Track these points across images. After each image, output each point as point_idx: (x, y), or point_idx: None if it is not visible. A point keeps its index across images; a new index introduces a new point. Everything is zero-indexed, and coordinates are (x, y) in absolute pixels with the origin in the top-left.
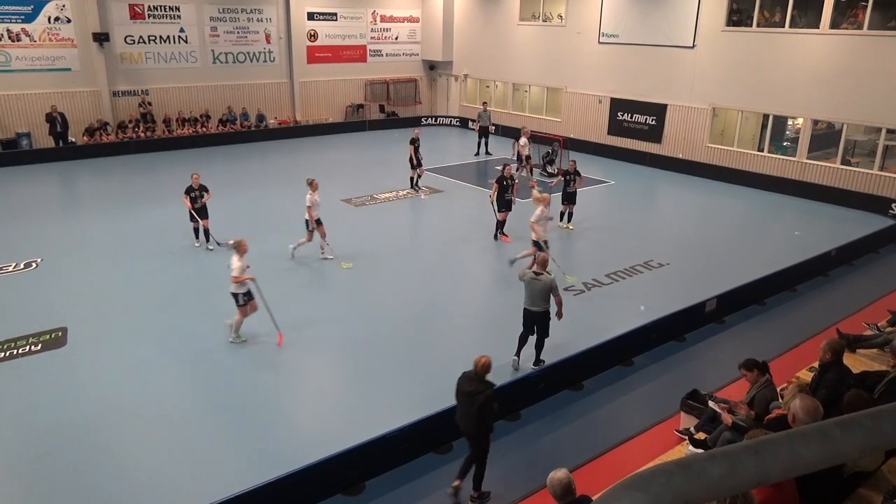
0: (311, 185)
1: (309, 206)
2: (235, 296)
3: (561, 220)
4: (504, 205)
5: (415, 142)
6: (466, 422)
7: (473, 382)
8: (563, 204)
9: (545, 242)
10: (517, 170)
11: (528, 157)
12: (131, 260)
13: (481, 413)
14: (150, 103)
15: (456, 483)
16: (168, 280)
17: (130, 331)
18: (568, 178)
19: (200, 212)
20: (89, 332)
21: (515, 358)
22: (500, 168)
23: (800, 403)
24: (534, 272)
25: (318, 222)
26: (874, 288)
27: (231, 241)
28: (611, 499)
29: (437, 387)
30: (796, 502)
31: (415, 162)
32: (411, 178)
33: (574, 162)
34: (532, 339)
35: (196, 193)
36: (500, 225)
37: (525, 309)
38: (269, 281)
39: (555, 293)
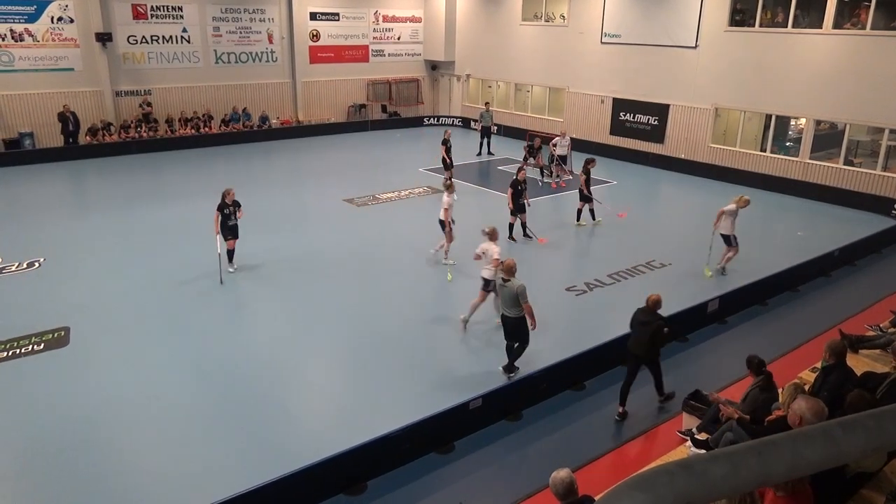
0: (450, 188)
1: (447, 209)
2: (487, 281)
3: (578, 218)
4: (518, 208)
5: (446, 143)
6: (640, 347)
7: (647, 314)
8: (581, 202)
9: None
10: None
11: (561, 158)
12: (133, 260)
13: (653, 338)
14: (150, 104)
15: (620, 410)
16: (169, 280)
17: (132, 330)
18: (590, 177)
19: (232, 231)
20: (91, 332)
21: (507, 375)
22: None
23: (806, 405)
24: (502, 278)
25: (447, 225)
26: (877, 288)
27: (487, 230)
28: (613, 499)
29: (438, 386)
30: None
31: (448, 162)
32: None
33: (590, 161)
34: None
35: (229, 210)
36: (511, 227)
37: (502, 315)
38: (274, 280)
39: (522, 299)
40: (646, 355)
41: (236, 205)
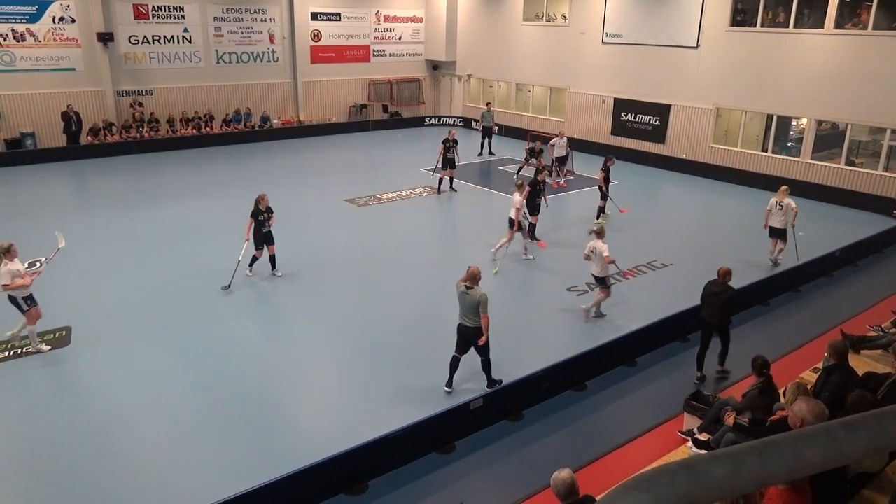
0: (521, 186)
1: (518, 208)
2: (603, 279)
3: (598, 216)
4: (534, 208)
5: (447, 142)
6: (713, 316)
7: (719, 285)
8: (602, 200)
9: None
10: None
11: (558, 159)
12: (134, 259)
13: (726, 306)
14: (141, 104)
15: (699, 374)
16: (171, 280)
17: (133, 330)
18: (608, 174)
19: (267, 237)
20: (93, 332)
21: (447, 389)
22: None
23: (807, 407)
24: (465, 285)
25: (517, 224)
26: (878, 289)
27: (595, 228)
28: (614, 499)
29: (440, 386)
30: None
31: (445, 161)
32: (448, 179)
33: (609, 159)
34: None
35: (264, 216)
36: (532, 228)
37: (459, 323)
38: (275, 280)
39: (482, 309)
40: (719, 323)
41: (269, 211)
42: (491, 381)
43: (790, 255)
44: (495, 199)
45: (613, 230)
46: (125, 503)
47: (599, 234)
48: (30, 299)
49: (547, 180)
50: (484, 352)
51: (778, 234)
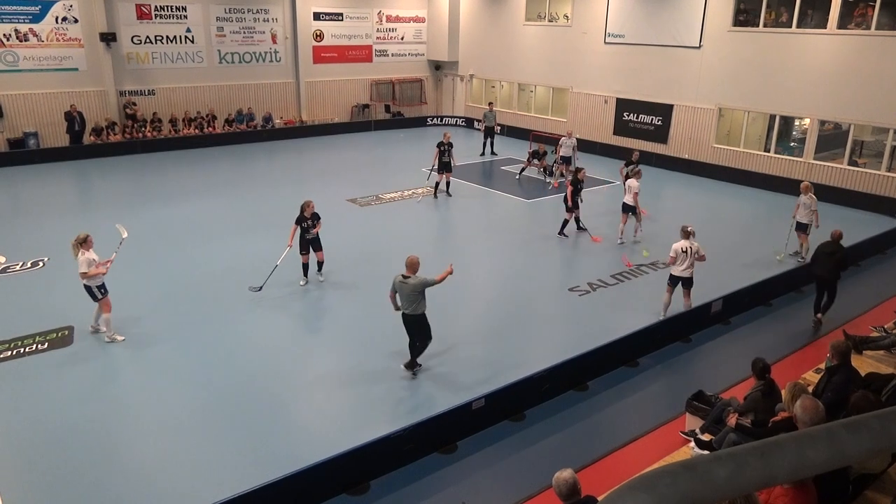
0: (638, 173)
1: (636, 193)
2: (687, 279)
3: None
4: (575, 204)
5: (440, 146)
6: (828, 272)
7: (833, 246)
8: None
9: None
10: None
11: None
12: (136, 259)
13: (839, 264)
14: (135, 103)
15: (817, 317)
16: (173, 279)
17: (135, 330)
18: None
19: (313, 243)
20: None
21: (406, 369)
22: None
23: (799, 403)
24: (402, 275)
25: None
26: (881, 289)
27: (689, 228)
28: (616, 499)
29: (442, 386)
30: None
31: (441, 165)
32: (445, 182)
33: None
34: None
35: (308, 223)
36: (565, 224)
37: (402, 314)
38: (275, 280)
39: (428, 283)
40: (832, 279)
41: (315, 217)
42: (412, 363)
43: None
44: (497, 199)
45: (616, 230)
46: (128, 502)
47: (690, 234)
48: (103, 288)
49: (549, 180)
50: (425, 336)
51: (801, 228)
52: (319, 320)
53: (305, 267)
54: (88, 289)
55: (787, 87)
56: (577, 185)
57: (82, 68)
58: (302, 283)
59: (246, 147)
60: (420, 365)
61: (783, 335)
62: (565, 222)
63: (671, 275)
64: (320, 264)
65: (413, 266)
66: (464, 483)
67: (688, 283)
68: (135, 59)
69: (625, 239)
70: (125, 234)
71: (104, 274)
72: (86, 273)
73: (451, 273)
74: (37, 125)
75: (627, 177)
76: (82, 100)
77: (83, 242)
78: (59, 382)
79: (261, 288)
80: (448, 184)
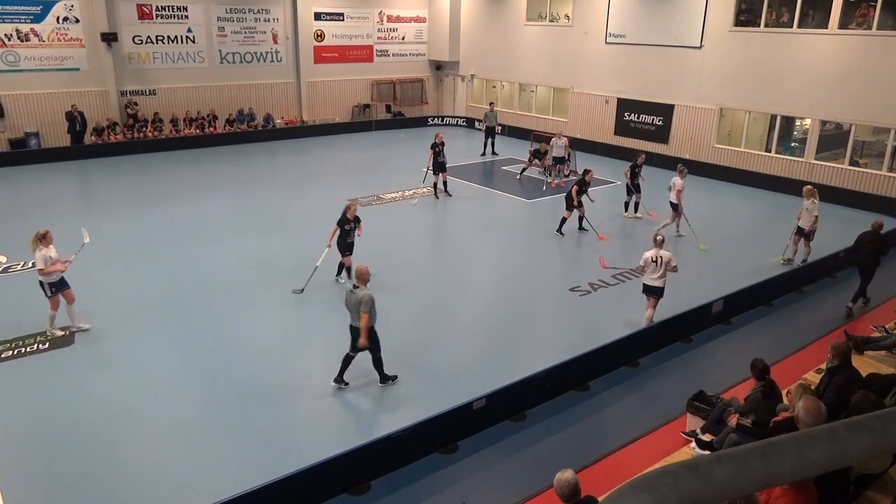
0: (681, 172)
1: (679, 190)
2: (656, 289)
3: (626, 210)
4: (579, 203)
5: (434, 146)
6: (869, 258)
7: (874, 235)
8: (628, 196)
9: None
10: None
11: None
12: (137, 259)
13: (878, 252)
14: (136, 104)
15: (849, 305)
16: (173, 279)
17: (137, 330)
18: (636, 170)
19: (350, 246)
20: (96, 331)
21: (334, 384)
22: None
23: (801, 404)
24: (353, 285)
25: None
26: (882, 290)
27: (660, 237)
28: (618, 500)
29: (442, 386)
30: None
31: (435, 166)
32: (443, 182)
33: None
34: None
35: (350, 226)
36: (563, 222)
37: (350, 325)
38: (277, 280)
39: (363, 308)
40: (872, 265)
41: (357, 221)
42: (383, 377)
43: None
44: (498, 199)
45: (617, 230)
46: (129, 501)
47: (661, 243)
48: (55, 286)
49: (549, 180)
50: (371, 349)
51: (800, 232)
52: (320, 320)
53: (349, 269)
54: (41, 284)
55: (788, 87)
56: (584, 186)
57: (83, 68)
58: (342, 280)
59: (247, 147)
60: (391, 378)
61: (784, 335)
62: (563, 220)
63: (644, 284)
64: (348, 268)
65: (361, 276)
66: (464, 483)
67: (657, 292)
68: (136, 59)
69: (683, 233)
70: (87, 239)
71: (62, 272)
72: (42, 269)
73: (365, 336)
74: (38, 125)
75: (634, 178)
76: (83, 100)
77: (42, 239)
78: (59, 382)
79: (303, 290)
80: (445, 183)
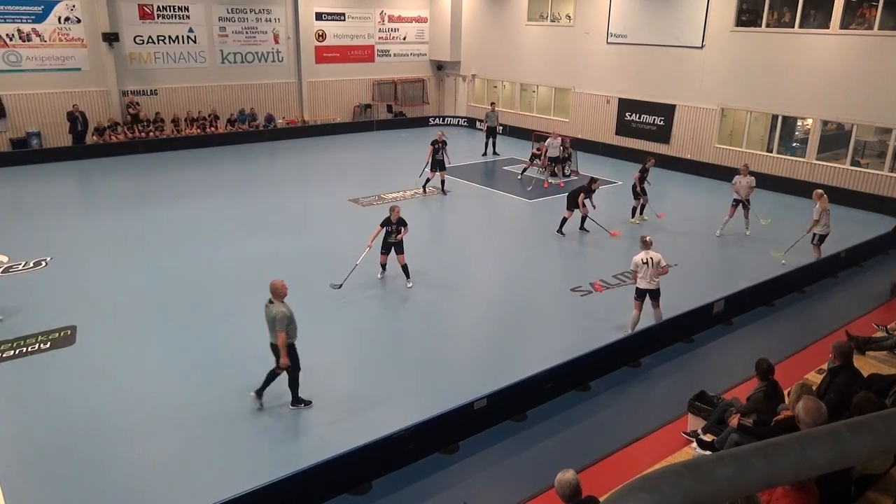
0: (744, 170)
1: (752, 187)
2: (654, 291)
3: (633, 215)
4: (582, 204)
5: (435, 143)
6: None
7: None
8: (635, 199)
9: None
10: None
11: (552, 159)
12: (139, 259)
13: None
14: (138, 104)
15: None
16: (175, 279)
17: (139, 329)
18: (644, 175)
19: (397, 247)
20: (98, 331)
21: (252, 394)
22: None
23: (802, 404)
24: (269, 300)
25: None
26: (884, 290)
27: (649, 238)
28: (619, 500)
29: (443, 387)
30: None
31: (433, 163)
32: (440, 181)
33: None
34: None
35: (392, 227)
36: (564, 222)
37: (270, 343)
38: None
39: (278, 326)
40: None
41: (401, 223)
42: (295, 399)
43: (796, 257)
44: (499, 199)
45: (621, 230)
46: (130, 501)
47: (647, 244)
48: None
49: (552, 180)
50: (289, 367)
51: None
52: (320, 320)
53: (383, 266)
54: None
55: (789, 87)
56: (589, 194)
57: (85, 68)
58: (379, 276)
59: (248, 147)
60: (305, 403)
61: (786, 335)
62: (564, 220)
63: (637, 289)
64: (404, 268)
65: (276, 291)
66: (465, 483)
67: (655, 294)
68: (137, 59)
69: (750, 232)
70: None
71: None
72: None
73: (284, 354)
74: (39, 125)
75: (642, 180)
76: (85, 100)
77: None
78: (61, 382)
79: (340, 285)
80: (443, 182)
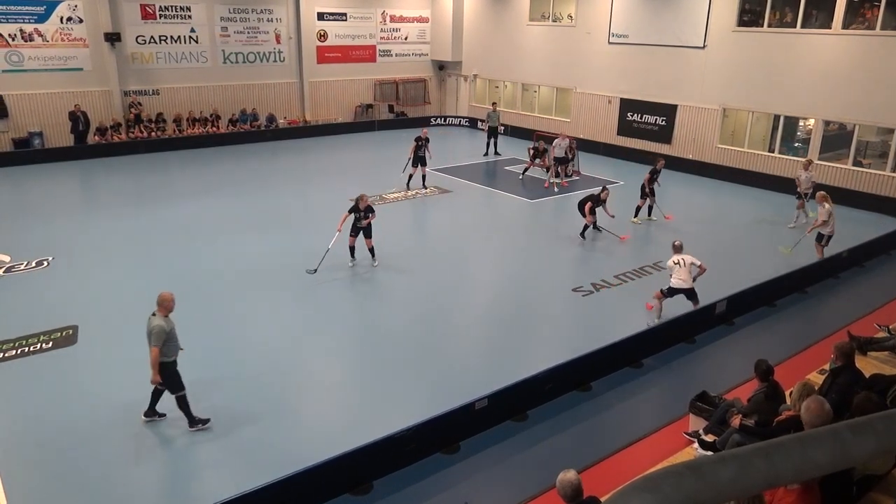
0: (809, 161)
1: (814, 181)
2: (687, 290)
3: (636, 215)
4: (592, 212)
5: (418, 140)
6: None
7: None
8: (641, 199)
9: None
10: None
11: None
12: (140, 259)
13: None
14: (140, 104)
15: None
16: (176, 279)
17: (140, 329)
18: (655, 176)
19: (366, 231)
20: (100, 331)
21: (145, 418)
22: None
23: (805, 405)
24: (153, 312)
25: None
26: (885, 290)
27: (678, 242)
28: (620, 500)
29: (444, 387)
30: None
31: (414, 159)
32: (410, 177)
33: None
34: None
35: (360, 214)
36: (586, 228)
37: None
38: (277, 280)
39: (153, 342)
40: None
41: (369, 209)
42: (191, 421)
43: (800, 257)
44: (500, 199)
45: (622, 230)
46: (130, 501)
47: (679, 249)
48: None
49: (554, 180)
50: (168, 388)
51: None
52: (321, 319)
53: (352, 249)
54: None
55: (791, 87)
56: (597, 203)
57: (87, 68)
58: (350, 263)
59: (250, 147)
60: (202, 421)
61: (787, 336)
62: (586, 227)
63: (670, 287)
64: (371, 250)
65: (161, 303)
66: (466, 483)
67: (689, 294)
68: (139, 59)
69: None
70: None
71: None
72: None
73: (156, 371)
74: (41, 125)
75: (652, 181)
76: (87, 99)
77: None
78: (63, 381)
79: (315, 270)
80: (424, 177)
